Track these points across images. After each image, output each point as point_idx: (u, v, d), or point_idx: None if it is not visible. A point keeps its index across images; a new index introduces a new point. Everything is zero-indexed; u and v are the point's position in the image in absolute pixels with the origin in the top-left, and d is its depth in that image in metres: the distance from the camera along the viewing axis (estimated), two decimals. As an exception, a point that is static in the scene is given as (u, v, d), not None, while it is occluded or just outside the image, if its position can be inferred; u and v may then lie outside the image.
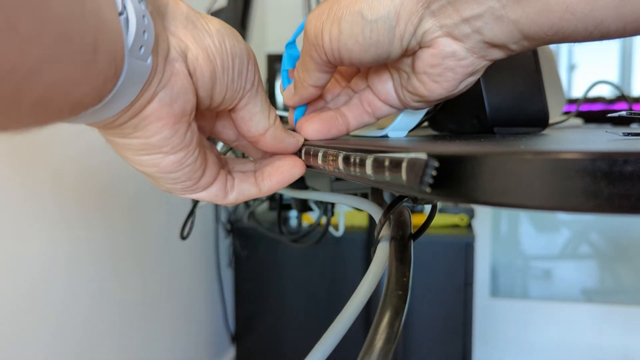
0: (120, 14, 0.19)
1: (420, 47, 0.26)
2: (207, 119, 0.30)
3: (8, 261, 0.67)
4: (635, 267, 1.82)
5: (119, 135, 0.23)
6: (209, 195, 0.28)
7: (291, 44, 0.31)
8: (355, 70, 0.33)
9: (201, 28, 0.24)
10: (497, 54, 0.25)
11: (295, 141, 0.30)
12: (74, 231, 0.80)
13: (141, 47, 0.20)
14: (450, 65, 0.25)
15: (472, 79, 0.27)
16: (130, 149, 0.24)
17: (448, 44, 0.25)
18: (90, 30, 0.16)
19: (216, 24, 0.24)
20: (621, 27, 0.20)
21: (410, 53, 0.26)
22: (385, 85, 0.30)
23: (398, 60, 0.27)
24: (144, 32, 0.20)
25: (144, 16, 0.20)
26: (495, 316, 1.82)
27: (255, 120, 0.27)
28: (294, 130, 0.32)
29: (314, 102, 0.33)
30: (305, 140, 0.31)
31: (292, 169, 0.29)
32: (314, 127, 0.30)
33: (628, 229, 1.79)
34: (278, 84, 1.31)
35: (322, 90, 0.30)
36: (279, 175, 0.29)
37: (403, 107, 0.30)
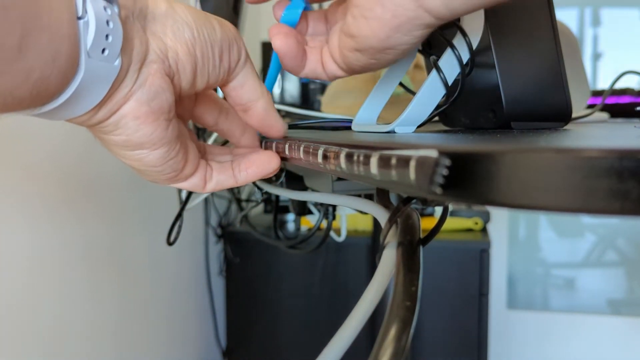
0: (81, 17, 0.22)
1: None
2: (186, 104, 0.34)
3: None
4: (667, 275, 1.82)
5: (101, 132, 0.27)
6: (190, 184, 0.32)
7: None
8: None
9: (180, 21, 0.27)
10: (434, 3, 0.26)
11: (282, 123, 0.33)
12: (42, 235, 0.80)
13: (104, 49, 0.23)
14: None
15: (405, 40, 0.28)
16: (115, 145, 0.28)
17: None
18: (12, 33, 0.20)
19: (192, 14, 0.28)
20: None
21: None
22: (334, 35, 0.32)
23: None
24: (107, 35, 0.23)
25: (108, 21, 0.23)
26: (512, 330, 1.82)
27: (247, 87, 0.31)
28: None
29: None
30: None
31: (269, 163, 0.34)
32: (287, 42, 0.33)
33: (659, 234, 1.79)
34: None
35: None
36: (256, 167, 0.34)
37: (344, 64, 0.32)
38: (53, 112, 0.24)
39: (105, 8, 0.23)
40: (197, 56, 0.28)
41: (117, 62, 0.24)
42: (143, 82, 0.26)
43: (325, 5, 0.36)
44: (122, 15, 0.24)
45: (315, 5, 0.37)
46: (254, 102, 0.32)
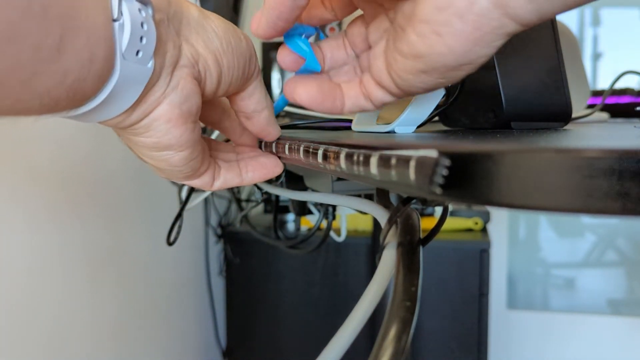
0: (116, 20, 0.23)
1: None
2: None
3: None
4: (667, 275, 1.82)
5: (132, 134, 0.28)
6: (201, 182, 0.33)
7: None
8: (365, 43, 0.32)
9: (210, 31, 0.28)
10: (523, 10, 0.22)
11: (278, 130, 0.35)
12: (43, 236, 0.80)
13: (138, 51, 0.24)
14: (460, 7, 0.23)
15: (484, 52, 0.24)
16: (143, 146, 0.28)
17: None
18: (52, 33, 0.20)
19: (222, 25, 0.29)
20: None
21: None
22: (378, 60, 0.29)
23: (395, 6, 0.27)
24: (142, 37, 0.24)
25: (142, 23, 0.24)
26: (512, 330, 1.82)
27: (255, 99, 0.32)
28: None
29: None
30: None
31: (275, 167, 0.36)
32: (309, 92, 0.30)
33: (659, 233, 1.79)
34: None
35: (301, 9, 0.28)
36: (263, 169, 0.36)
37: (396, 89, 0.28)
38: (88, 114, 0.24)
39: (140, 10, 0.24)
40: (224, 65, 0.29)
41: (151, 64, 0.25)
42: (176, 85, 0.27)
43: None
44: (156, 18, 0.25)
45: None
46: (259, 112, 0.33)
